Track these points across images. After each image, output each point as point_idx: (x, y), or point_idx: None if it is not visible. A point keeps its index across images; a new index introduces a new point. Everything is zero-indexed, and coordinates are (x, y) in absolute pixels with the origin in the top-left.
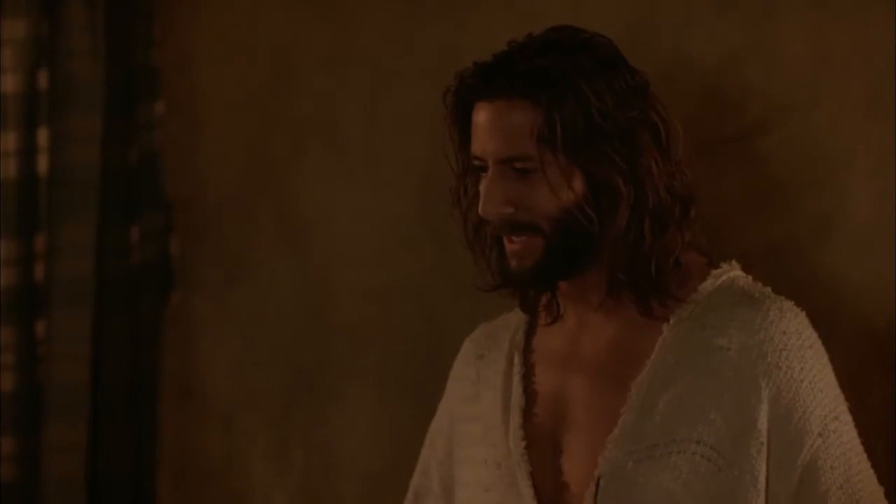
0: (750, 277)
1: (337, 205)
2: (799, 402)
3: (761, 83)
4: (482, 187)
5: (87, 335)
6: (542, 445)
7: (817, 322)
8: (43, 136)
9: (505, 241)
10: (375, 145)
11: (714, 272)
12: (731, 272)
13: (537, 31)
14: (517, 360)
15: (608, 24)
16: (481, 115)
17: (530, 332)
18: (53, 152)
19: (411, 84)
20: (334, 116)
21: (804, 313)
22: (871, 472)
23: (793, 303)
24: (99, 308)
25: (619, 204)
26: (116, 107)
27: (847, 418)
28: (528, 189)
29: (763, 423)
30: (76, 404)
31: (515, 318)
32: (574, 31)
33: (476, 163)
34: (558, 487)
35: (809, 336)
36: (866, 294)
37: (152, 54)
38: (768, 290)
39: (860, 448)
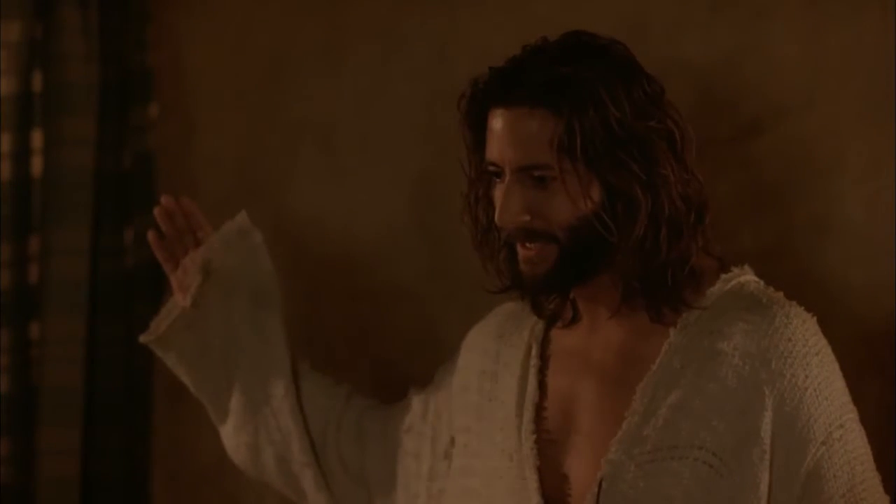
0: (762, 282)
1: (330, 207)
2: (803, 409)
3: (755, 85)
4: (497, 194)
5: (81, 337)
6: (550, 442)
7: None
8: (37, 139)
9: (518, 246)
10: (369, 147)
11: (724, 276)
12: (742, 276)
13: (532, 31)
14: (534, 351)
15: (602, 25)
16: (499, 122)
17: (549, 326)
18: (47, 154)
19: (405, 85)
20: (328, 118)
21: (814, 319)
22: (878, 481)
23: (802, 308)
24: (93, 310)
25: (636, 213)
26: (110, 109)
27: (854, 426)
28: (545, 197)
29: (766, 431)
30: (70, 407)
31: None
32: (591, 38)
33: (491, 168)
34: (562, 486)
35: (816, 343)
36: (860, 296)
37: (146, 57)
38: (779, 295)
39: (867, 457)
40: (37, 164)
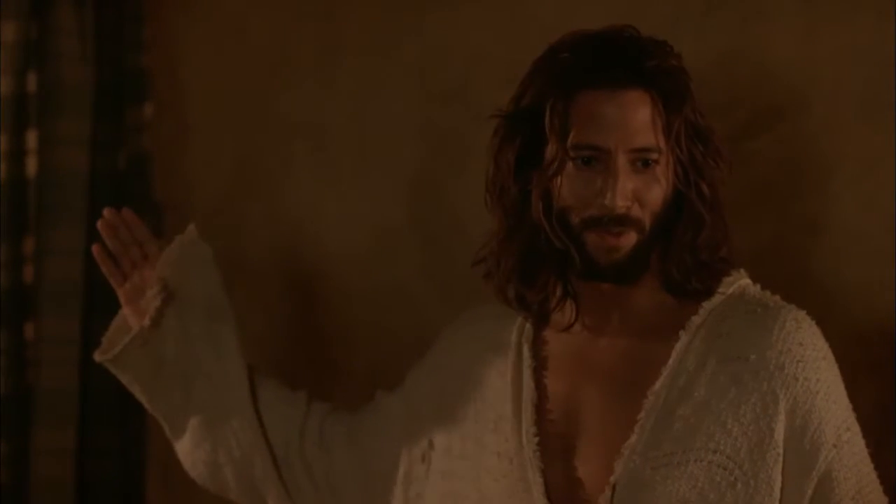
0: (758, 286)
1: (326, 208)
2: (815, 413)
3: (750, 86)
4: (579, 179)
5: (76, 338)
6: (553, 444)
7: None
8: (32, 139)
9: (593, 235)
10: (364, 148)
11: (725, 280)
12: (741, 280)
13: (526, 32)
14: (526, 352)
15: (596, 23)
16: (607, 106)
17: (539, 326)
18: (42, 155)
19: (399, 86)
20: (323, 119)
21: (815, 323)
22: (878, 481)
23: (805, 312)
24: (88, 311)
25: (702, 202)
26: (105, 109)
27: (857, 428)
28: (646, 182)
29: (780, 434)
30: (65, 408)
31: None
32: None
33: (585, 153)
34: (570, 489)
35: (822, 347)
36: (856, 296)
37: (141, 57)
38: (778, 298)
39: (868, 458)
40: (32, 165)
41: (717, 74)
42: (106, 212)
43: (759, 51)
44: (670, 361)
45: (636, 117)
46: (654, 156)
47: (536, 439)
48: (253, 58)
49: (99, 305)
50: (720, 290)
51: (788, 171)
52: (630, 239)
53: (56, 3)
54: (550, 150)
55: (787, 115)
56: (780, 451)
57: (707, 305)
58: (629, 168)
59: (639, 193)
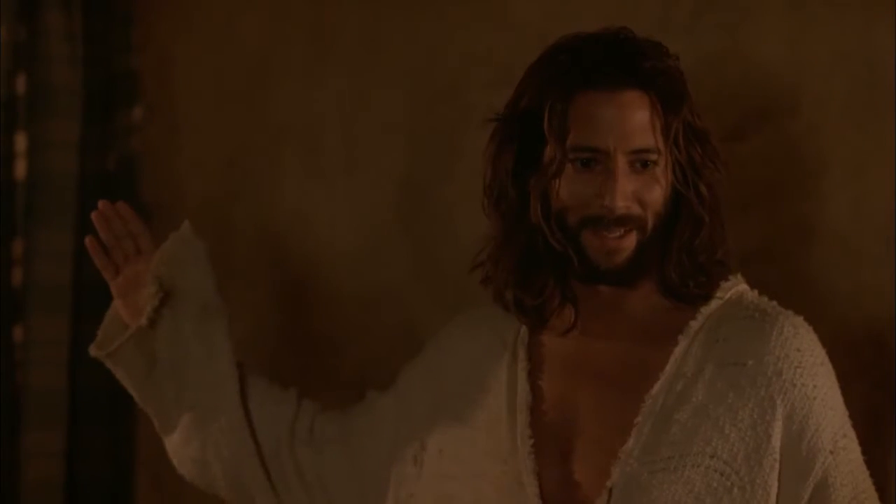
0: (756, 291)
1: (315, 209)
2: (812, 419)
3: (739, 88)
4: (579, 180)
5: (65, 340)
6: (548, 447)
7: None
8: (21, 141)
9: (594, 238)
10: (353, 151)
11: (723, 285)
12: (739, 285)
13: (516, 35)
14: (522, 355)
15: (586, 27)
16: (605, 107)
17: (536, 330)
18: (31, 157)
19: (389, 89)
20: (312, 122)
21: (812, 329)
22: (873, 488)
23: (802, 318)
24: (77, 313)
25: (701, 204)
26: (95, 112)
27: (853, 435)
28: (646, 183)
29: (777, 440)
30: (54, 409)
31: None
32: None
33: (584, 155)
34: (566, 493)
35: (820, 353)
36: (845, 299)
37: (131, 60)
38: (776, 304)
39: (864, 465)
40: (21, 167)
41: (706, 77)
42: (101, 203)
43: (747, 53)
44: (668, 366)
45: (635, 118)
46: (653, 157)
47: (531, 441)
48: (242, 60)
49: (88, 307)
50: (718, 294)
51: (777, 174)
52: (631, 241)
53: (45, 5)
54: (549, 151)
55: (775, 118)
56: (777, 456)
57: (705, 310)
58: (628, 169)
59: (639, 194)
